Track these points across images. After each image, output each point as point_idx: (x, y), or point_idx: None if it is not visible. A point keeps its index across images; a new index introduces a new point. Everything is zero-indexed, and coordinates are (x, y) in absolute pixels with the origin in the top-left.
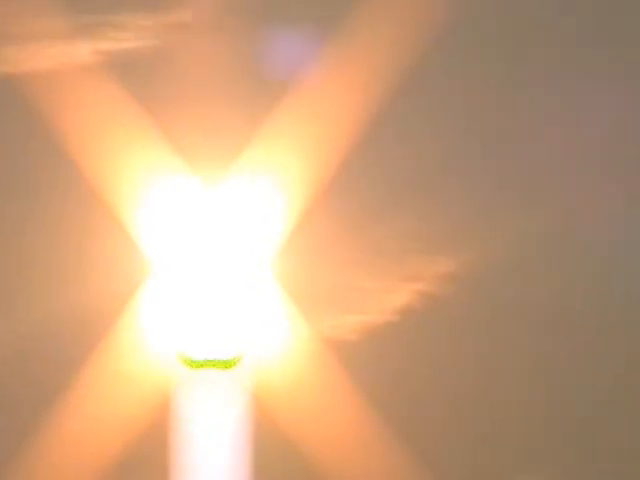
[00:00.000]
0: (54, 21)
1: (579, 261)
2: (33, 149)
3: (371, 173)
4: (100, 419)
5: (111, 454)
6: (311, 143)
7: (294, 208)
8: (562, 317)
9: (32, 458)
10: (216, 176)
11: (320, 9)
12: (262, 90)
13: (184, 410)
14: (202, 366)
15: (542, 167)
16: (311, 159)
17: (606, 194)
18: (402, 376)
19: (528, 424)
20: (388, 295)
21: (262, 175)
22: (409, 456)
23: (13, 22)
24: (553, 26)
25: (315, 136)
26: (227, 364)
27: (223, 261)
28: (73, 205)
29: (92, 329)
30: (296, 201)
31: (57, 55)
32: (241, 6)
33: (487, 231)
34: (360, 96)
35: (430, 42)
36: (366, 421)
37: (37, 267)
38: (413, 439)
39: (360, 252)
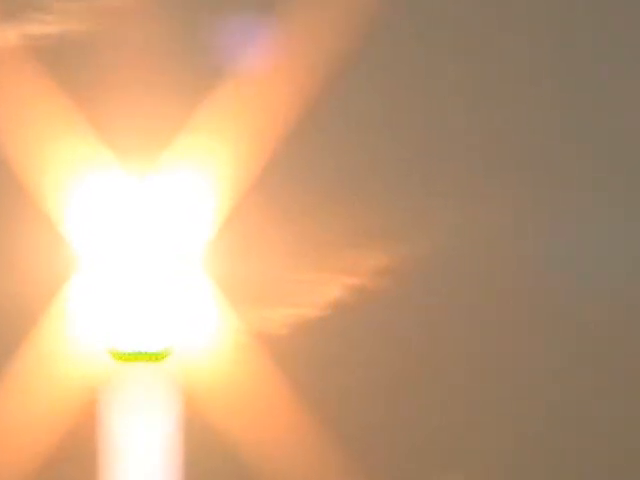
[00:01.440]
0: None
1: (511, 253)
2: None
3: (304, 165)
4: (27, 416)
5: (39, 451)
6: (243, 134)
7: (224, 200)
8: (498, 310)
9: None
10: (145, 168)
11: None
12: (194, 80)
13: (113, 405)
14: (131, 359)
15: (473, 162)
16: (243, 150)
17: (537, 188)
18: (333, 371)
19: (461, 420)
20: (320, 288)
21: (192, 167)
22: (340, 451)
23: None
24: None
25: (247, 127)
26: (156, 357)
27: (152, 254)
28: None
29: (18, 324)
30: (227, 193)
31: None
32: None
33: (421, 225)
34: (294, 89)
35: (362, 38)
36: (295, 415)
37: None
38: (344, 434)
39: (292, 244)
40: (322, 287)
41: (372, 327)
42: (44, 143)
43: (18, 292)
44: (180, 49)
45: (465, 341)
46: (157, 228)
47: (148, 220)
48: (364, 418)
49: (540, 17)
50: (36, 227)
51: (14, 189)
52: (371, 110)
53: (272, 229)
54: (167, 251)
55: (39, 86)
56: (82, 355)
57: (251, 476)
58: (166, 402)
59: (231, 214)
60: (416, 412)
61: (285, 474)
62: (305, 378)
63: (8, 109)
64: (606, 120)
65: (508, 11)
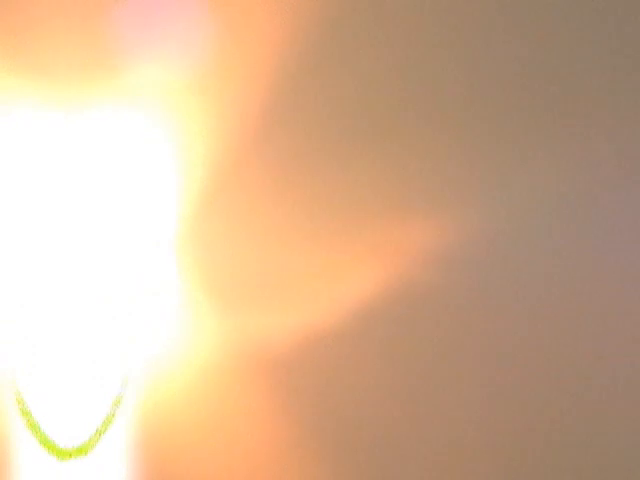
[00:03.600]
0: None
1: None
2: None
3: (312, 116)
4: None
5: None
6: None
7: (201, 166)
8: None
9: None
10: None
11: None
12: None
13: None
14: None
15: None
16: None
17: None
18: (348, 397)
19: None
20: (339, 285)
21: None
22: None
23: None
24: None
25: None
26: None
27: (94, 241)
28: None
29: None
30: (205, 154)
31: None
32: None
33: (471, 198)
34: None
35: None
36: (295, 453)
37: None
38: (348, 465)
39: (293, 226)
40: (343, 283)
41: (407, 334)
42: None
43: None
44: None
45: (541, 342)
46: (102, 205)
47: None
48: (380, 456)
49: None
50: None
51: None
52: (400, 65)
53: (264, 204)
54: (120, 237)
55: None
56: None
57: None
58: (129, 453)
59: (212, 187)
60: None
61: None
62: (312, 406)
63: None
64: None
65: None
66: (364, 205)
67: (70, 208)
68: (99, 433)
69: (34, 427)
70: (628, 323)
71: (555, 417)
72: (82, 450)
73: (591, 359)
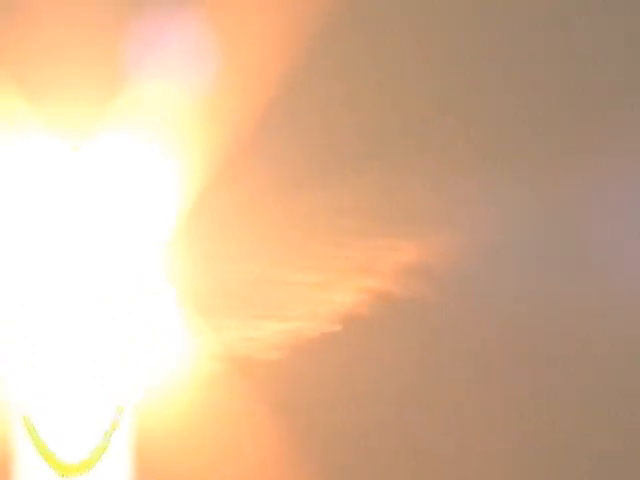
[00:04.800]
0: None
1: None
2: None
3: (301, 125)
4: None
5: None
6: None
7: (190, 176)
8: (561, 323)
9: None
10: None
11: None
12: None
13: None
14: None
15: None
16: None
17: None
18: (342, 408)
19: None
20: (324, 294)
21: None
22: None
23: None
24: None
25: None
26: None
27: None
28: None
29: None
30: (192, 166)
31: None
32: None
33: (460, 210)
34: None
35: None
36: (285, 468)
37: None
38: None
39: (283, 234)
40: (326, 293)
41: (397, 346)
42: None
43: None
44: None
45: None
46: (97, 220)
47: (83, 208)
48: (376, 474)
49: None
50: None
51: None
52: (388, 76)
53: (256, 212)
54: (115, 240)
55: None
56: None
57: None
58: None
59: (200, 194)
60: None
61: None
62: (303, 420)
63: None
64: None
65: None
66: (351, 218)
67: (69, 211)
68: (101, 448)
69: (38, 442)
70: (617, 336)
71: (544, 422)
72: (85, 465)
73: (578, 371)
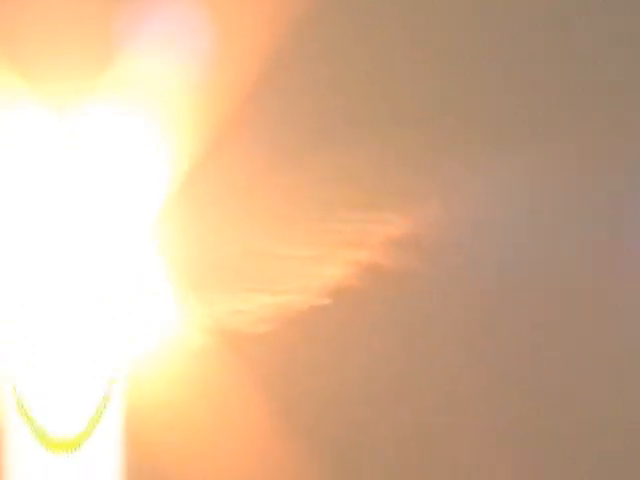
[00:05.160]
0: None
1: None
2: None
3: (292, 98)
4: None
5: None
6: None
7: (183, 156)
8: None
9: None
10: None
11: None
12: None
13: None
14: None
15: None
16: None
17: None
18: (333, 383)
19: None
20: (314, 268)
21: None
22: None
23: None
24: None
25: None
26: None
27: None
28: None
29: None
30: (186, 148)
31: None
32: None
33: (451, 181)
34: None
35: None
36: (275, 441)
37: None
38: (328, 452)
39: (273, 206)
40: (316, 266)
41: (387, 319)
42: None
43: None
44: None
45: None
46: (85, 193)
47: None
48: (365, 446)
49: None
50: None
51: None
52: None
53: (246, 187)
54: (101, 224)
55: None
56: None
57: None
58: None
59: (191, 168)
60: (435, 438)
61: None
62: (293, 393)
63: None
64: None
65: None
66: (341, 192)
67: (65, 209)
68: (93, 422)
69: (29, 419)
70: (604, 305)
71: (539, 403)
72: (75, 442)
73: (566, 337)
